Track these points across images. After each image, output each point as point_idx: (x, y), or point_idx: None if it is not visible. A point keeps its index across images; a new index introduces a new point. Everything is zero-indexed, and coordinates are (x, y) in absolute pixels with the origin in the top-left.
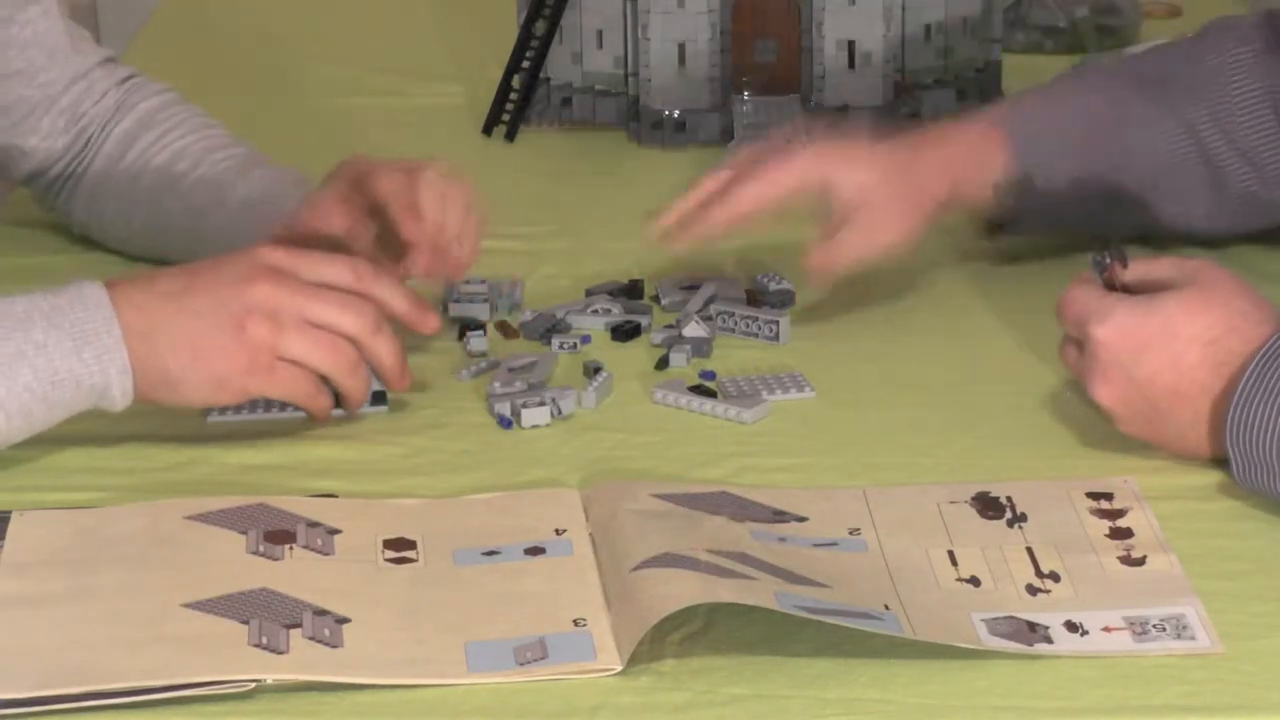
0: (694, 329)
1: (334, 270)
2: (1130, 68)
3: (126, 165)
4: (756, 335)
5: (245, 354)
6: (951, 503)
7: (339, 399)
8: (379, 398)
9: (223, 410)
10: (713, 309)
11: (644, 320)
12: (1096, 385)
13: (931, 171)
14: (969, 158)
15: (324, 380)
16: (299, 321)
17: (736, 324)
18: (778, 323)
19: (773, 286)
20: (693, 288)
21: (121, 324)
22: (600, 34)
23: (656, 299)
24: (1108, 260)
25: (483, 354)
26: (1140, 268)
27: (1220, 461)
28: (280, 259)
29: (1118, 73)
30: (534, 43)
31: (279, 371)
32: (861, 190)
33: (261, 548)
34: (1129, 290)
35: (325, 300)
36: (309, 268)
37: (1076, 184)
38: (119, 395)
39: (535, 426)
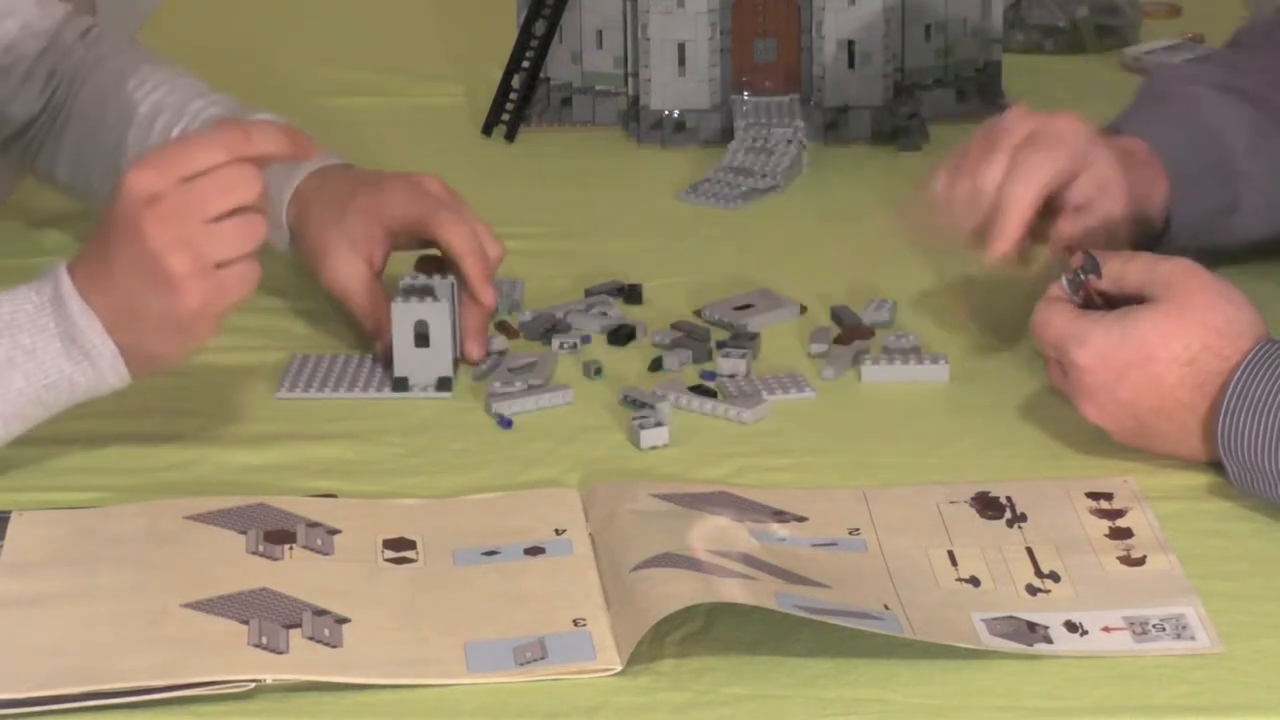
0: (731, 364)
1: (206, 155)
2: (1223, 75)
3: (108, 125)
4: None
5: (192, 291)
6: (951, 503)
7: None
8: (444, 384)
9: (291, 387)
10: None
11: (639, 325)
12: (1084, 406)
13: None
14: (1138, 173)
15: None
16: (206, 228)
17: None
18: (943, 355)
19: (875, 314)
20: (745, 307)
21: (97, 314)
22: (600, 34)
23: (709, 319)
24: (1083, 277)
25: None
26: (1115, 268)
27: (1219, 463)
28: (150, 180)
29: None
30: (534, 43)
31: (221, 278)
32: (1102, 181)
33: (261, 548)
34: (1106, 297)
35: (214, 193)
36: (182, 166)
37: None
38: (115, 381)
39: (653, 448)
